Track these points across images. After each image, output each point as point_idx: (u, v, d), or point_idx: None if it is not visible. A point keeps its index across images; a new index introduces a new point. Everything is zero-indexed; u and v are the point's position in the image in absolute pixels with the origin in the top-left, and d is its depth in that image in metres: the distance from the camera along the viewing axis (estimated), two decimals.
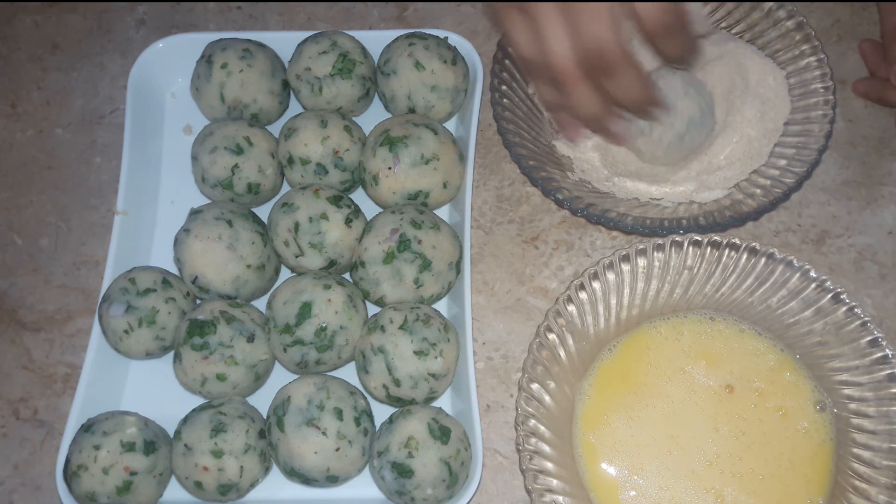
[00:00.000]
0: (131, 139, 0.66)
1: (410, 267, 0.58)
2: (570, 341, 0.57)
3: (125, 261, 0.63)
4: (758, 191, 0.62)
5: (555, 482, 0.53)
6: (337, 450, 0.54)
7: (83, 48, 0.76)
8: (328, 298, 0.57)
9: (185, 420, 0.56)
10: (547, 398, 0.55)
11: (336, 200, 0.60)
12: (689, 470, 0.55)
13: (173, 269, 0.62)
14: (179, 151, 0.69)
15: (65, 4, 0.78)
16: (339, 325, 0.57)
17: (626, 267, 0.58)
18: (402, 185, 0.61)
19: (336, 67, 0.64)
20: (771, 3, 0.66)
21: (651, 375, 0.58)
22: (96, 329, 0.60)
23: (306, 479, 0.55)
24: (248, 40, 0.67)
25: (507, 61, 0.66)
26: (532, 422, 0.54)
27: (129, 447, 0.55)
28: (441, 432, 0.54)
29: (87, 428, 0.56)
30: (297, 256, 0.60)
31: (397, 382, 0.56)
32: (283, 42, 0.68)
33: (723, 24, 0.69)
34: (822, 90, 0.64)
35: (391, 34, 0.67)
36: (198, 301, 0.62)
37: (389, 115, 0.67)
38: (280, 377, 0.60)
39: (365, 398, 0.58)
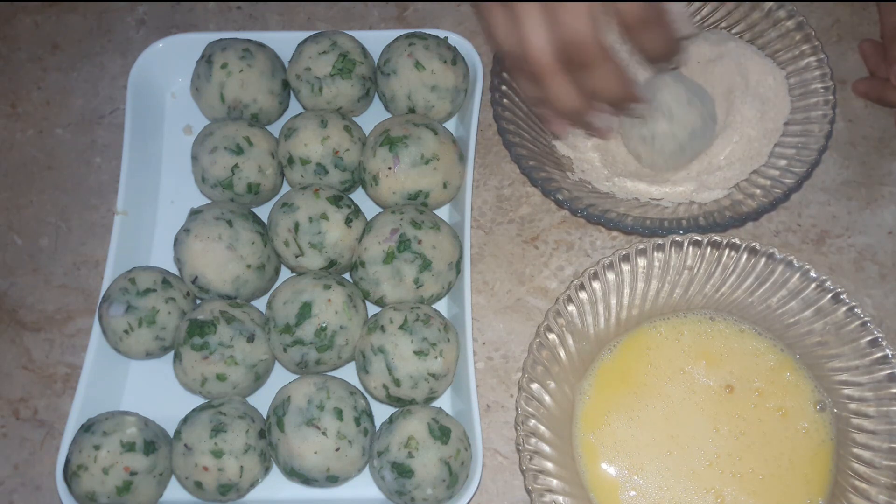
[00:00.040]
0: (131, 139, 0.66)
1: (410, 267, 0.58)
2: (570, 341, 0.57)
3: (125, 261, 0.63)
4: (758, 191, 0.62)
5: (555, 482, 0.53)
6: (337, 450, 0.54)
7: (83, 48, 0.76)
8: (328, 298, 0.57)
9: (185, 420, 0.56)
10: (547, 398, 0.55)
11: (336, 200, 0.60)
12: (689, 470, 0.55)
13: (173, 269, 0.62)
14: (179, 151, 0.69)
15: (65, 4, 0.78)
16: (339, 325, 0.57)
17: (626, 267, 0.58)
18: (402, 185, 0.61)
19: (336, 67, 0.64)
20: (771, 3, 0.66)
21: (651, 375, 0.58)
22: (96, 329, 0.60)
23: (306, 479, 0.55)
24: (248, 40, 0.67)
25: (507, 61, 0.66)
26: (532, 422, 0.54)
27: (129, 447, 0.55)
28: (441, 432, 0.54)
29: (87, 428, 0.56)
30: (297, 256, 0.60)
31: (397, 382, 0.56)
32: (283, 42, 0.68)
33: (723, 24, 0.69)
34: (822, 90, 0.64)
35: (391, 34, 0.67)
36: (198, 301, 0.62)
37: (389, 115, 0.67)
38: (280, 377, 0.60)
39: (365, 398, 0.58)
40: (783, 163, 0.63)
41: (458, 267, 0.61)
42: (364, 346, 0.57)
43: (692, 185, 0.64)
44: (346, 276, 0.63)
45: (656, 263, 0.58)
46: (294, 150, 0.62)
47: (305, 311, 0.56)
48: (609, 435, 0.56)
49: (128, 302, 0.58)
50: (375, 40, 0.67)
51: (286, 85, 0.68)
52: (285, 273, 0.64)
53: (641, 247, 0.58)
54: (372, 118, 0.67)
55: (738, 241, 0.57)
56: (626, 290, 0.59)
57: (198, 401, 0.59)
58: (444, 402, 0.60)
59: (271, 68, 0.66)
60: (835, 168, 0.68)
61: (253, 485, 0.57)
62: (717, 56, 0.67)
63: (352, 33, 0.67)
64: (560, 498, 0.53)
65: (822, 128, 0.63)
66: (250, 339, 0.58)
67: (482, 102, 0.66)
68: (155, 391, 0.62)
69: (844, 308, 0.55)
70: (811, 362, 0.57)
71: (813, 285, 0.56)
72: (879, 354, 0.54)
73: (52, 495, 0.60)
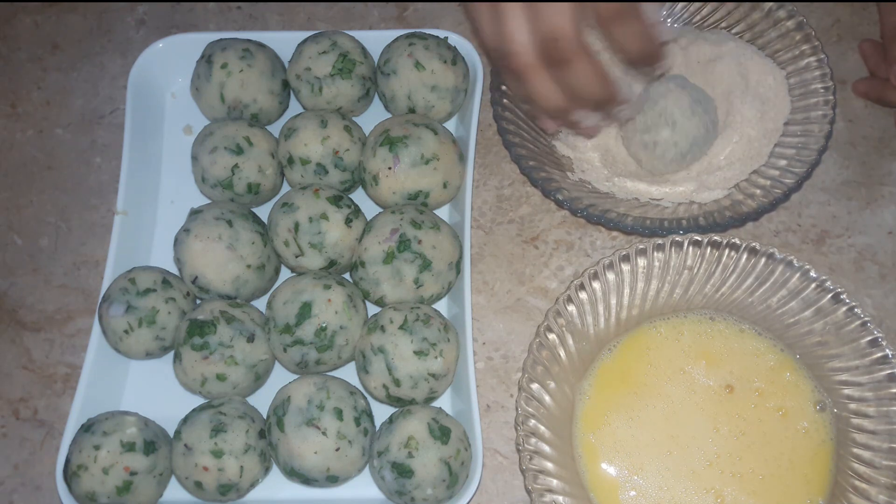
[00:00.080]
0: (131, 139, 0.66)
1: (410, 267, 0.58)
2: (570, 341, 0.57)
3: (125, 261, 0.63)
4: (758, 191, 0.62)
5: (555, 482, 0.53)
6: (337, 450, 0.54)
7: (83, 48, 0.76)
8: (328, 298, 0.57)
9: (185, 420, 0.56)
10: (547, 398, 0.55)
11: (336, 200, 0.60)
12: (689, 470, 0.55)
13: (173, 269, 0.62)
14: (179, 151, 0.69)
15: (65, 4, 0.78)
16: (339, 325, 0.57)
17: (626, 267, 0.58)
18: (402, 185, 0.61)
19: (336, 67, 0.64)
20: (771, 3, 0.66)
21: (651, 375, 0.58)
22: (96, 329, 0.60)
23: (306, 479, 0.55)
24: (248, 40, 0.67)
25: None
26: (532, 422, 0.54)
27: (129, 447, 0.55)
28: (441, 432, 0.54)
29: (87, 428, 0.56)
30: (297, 256, 0.60)
31: (397, 382, 0.56)
32: (283, 42, 0.68)
33: (723, 24, 0.69)
34: (822, 90, 0.64)
35: (391, 34, 0.67)
36: (198, 301, 0.62)
37: (389, 115, 0.67)
38: (280, 377, 0.60)
39: (365, 398, 0.58)
40: (783, 163, 0.63)
41: (458, 267, 0.61)
42: (364, 346, 0.57)
43: (692, 185, 0.64)
44: (346, 276, 0.63)
45: (656, 263, 0.58)
46: (294, 150, 0.62)
47: (305, 311, 0.56)
48: (609, 435, 0.56)
49: (128, 302, 0.58)
50: (375, 40, 0.67)
51: (286, 85, 0.68)
52: (285, 273, 0.64)
53: (641, 247, 0.58)
54: (372, 118, 0.67)
55: (738, 241, 0.57)
56: (626, 290, 0.59)
57: (198, 401, 0.59)
58: (444, 402, 0.60)
59: (271, 68, 0.66)
60: (835, 168, 0.68)
61: (253, 485, 0.57)
62: (717, 56, 0.67)
63: (352, 33, 0.67)
64: (560, 498, 0.53)
65: (822, 128, 0.63)
66: (250, 339, 0.58)
67: (482, 102, 0.66)
68: (155, 391, 0.62)
69: (844, 308, 0.55)
70: (811, 362, 0.57)
71: (813, 285, 0.56)
72: (879, 354, 0.54)
73: (52, 495, 0.60)
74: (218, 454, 0.54)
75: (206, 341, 0.57)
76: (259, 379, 0.59)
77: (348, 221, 0.60)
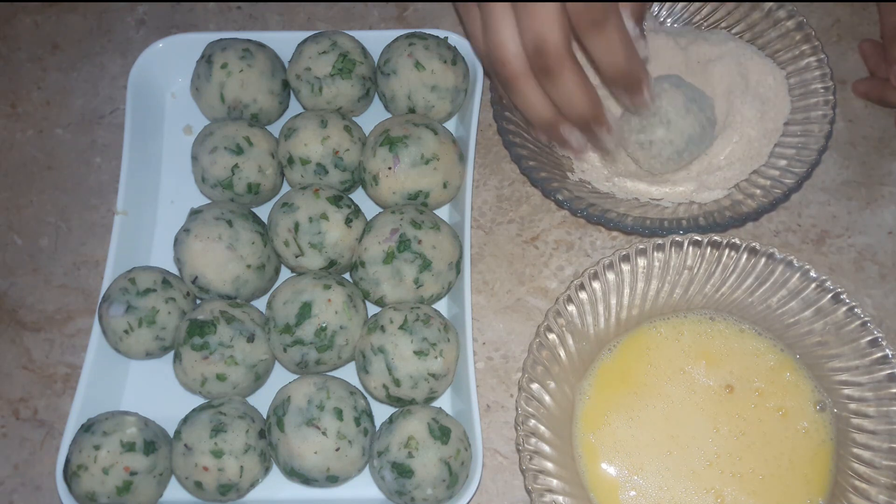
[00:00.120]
0: (131, 139, 0.66)
1: (410, 267, 0.58)
2: (570, 341, 0.57)
3: (125, 261, 0.63)
4: (758, 191, 0.62)
5: (555, 482, 0.53)
6: (337, 450, 0.54)
7: (83, 48, 0.76)
8: (328, 298, 0.57)
9: (185, 420, 0.56)
10: (547, 398, 0.55)
11: (336, 200, 0.60)
12: (689, 470, 0.55)
13: (173, 269, 0.62)
14: (179, 151, 0.69)
15: (65, 4, 0.78)
16: (339, 325, 0.57)
17: (626, 267, 0.58)
18: (402, 185, 0.61)
19: (336, 67, 0.64)
20: (771, 3, 0.66)
21: (651, 375, 0.58)
22: (96, 329, 0.60)
23: (306, 479, 0.55)
24: (248, 40, 0.67)
25: None
26: (532, 422, 0.54)
27: (129, 447, 0.55)
28: (441, 432, 0.54)
29: (87, 428, 0.56)
30: (297, 256, 0.60)
31: (397, 382, 0.56)
32: (283, 42, 0.68)
33: (723, 24, 0.69)
34: (822, 90, 0.64)
35: (391, 34, 0.67)
36: (198, 301, 0.62)
37: (389, 115, 0.67)
38: (280, 377, 0.60)
39: (365, 398, 0.58)
40: (783, 163, 0.63)
41: (458, 267, 0.61)
42: (364, 346, 0.57)
43: (692, 185, 0.64)
44: (346, 276, 0.63)
45: (656, 263, 0.58)
46: (294, 150, 0.62)
47: (305, 311, 0.56)
48: (609, 435, 0.56)
49: (128, 302, 0.58)
50: (375, 40, 0.67)
51: (286, 85, 0.68)
52: (285, 273, 0.64)
53: (641, 247, 0.58)
54: (372, 118, 0.67)
55: (738, 241, 0.57)
56: (626, 290, 0.59)
57: (198, 401, 0.59)
58: (444, 402, 0.60)
59: (271, 68, 0.66)
60: (835, 168, 0.68)
61: (253, 485, 0.57)
62: (717, 56, 0.67)
63: (352, 33, 0.67)
64: (560, 498, 0.53)
65: (822, 128, 0.63)
66: (250, 339, 0.58)
67: (482, 102, 0.66)
68: (155, 391, 0.62)
69: (844, 308, 0.55)
70: (811, 362, 0.57)
71: (813, 285, 0.56)
72: (879, 354, 0.54)
73: (52, 495, 0.60)
74: (218, 454, 0.54)
75: (206, 341, 0.57)
76: (259, 379, 0.59)
77: (348, 221, 0.60)
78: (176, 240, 0.60)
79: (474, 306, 0.64)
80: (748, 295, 0.58)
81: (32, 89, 0.74)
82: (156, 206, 0.68)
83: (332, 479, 0.55)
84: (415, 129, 0.61)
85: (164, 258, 0.65)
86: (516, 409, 0.54)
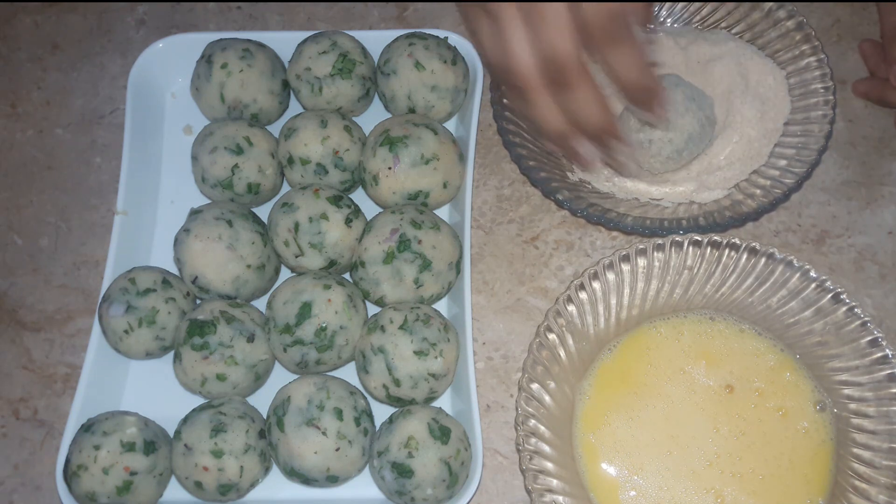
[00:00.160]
0: (131, 139, 0.66)
1: (410, 267, 0.58)
2: (570, 341, 0.57)
3: (125, 261, 0.63)
4: (758, 191, 0.62)
5: (555, 482, 0.53)
6: (337, 450, 0.54)
7: (83, 48, 0.76)
8: (328, 298, 0.57)
9: (185, 420, 0.56)
10: (547, 398, 0.55)
11: (336, 200, 0.60)
12: (689, 470, 0.55)
13: (173, 269, 0.62)
14: (179, 151, 0.69)
15: (65, 4, 0.78)
16: (339, 325, 0.57)
17: (626, 267, 0.58)
18: (402, 185, 0.61)
19: (336, 67, 0.64)
20: (771, 3, 0.66)
21: (651, 375, 0.58)
22: (96, 329, 0.60)
23: (306, 479, 0.55)
24: (248, 40, 0.67)
25: None
26: (532, 422, 0.54)
27: (129, 447, 0.55)
28: (441, 432, 0.54)
29: (87, 428, 0.56)
30: (297, 256, 0.60)
31: (397, 382, 0.56)
32: (283, 42, 0.68)
33: (723, 24, 0.69)
34: (822, 90, 0.64)
35: (391, 34, 0.67)
36: (198, 301, 0.62)
37: (389, 115, 0.67)
38: (280, 377, 0.60)
39: (365, 398, 0.58)
40: (783, 163, 0.63)
41: (458, 267, 0.61)
42: (364, 346, 0.57)
43: (692, 185, 0.64)
44: (346, 276, 0.63)
45: (656, 263, 0.58)
46: (294, 150, 0.62)
47: (305, 311, 0.56)
48: (609, 435, 0.56)
49: (128, 302, 0.58)
50: (375, 40, 0.67)
51: (286, 85, 0.68)
52: (285, 273, 0.64)
53: (641, 247, 0.58)
54: (372, 118, 0.67)
55: (738, 241, 0.57)
56: (626, 290, 0.59)
57: (198, 401, 0.59)
58: (444, 402, 0.60)
59: (271, 68, 0.66)
60: (835, 168, 0.68)
61: (253, 485, 0.57)
62: (717, 56, 0.67)
63: (352, 33, 0.67)
64: (560, 498, 0.53)
65: (822, 128, 0.63)
66: (250, 339, 0.58)
67: (482, 102, 0.66)
68: (155, 391, 0.62)
69: (844, 308, 0.55)
70: (811, 362, 0.57)
71: (813, 285, 0.56)
72: (879, 354, 0.54)
73: (52, 495, 0.60)
74: (218, 454, 0.54)
75: (206, 341, 0.57)
76: (259, 379, 0.59)
77: (348, 221, 0.60)
78: (176, 240, 0.60)
79: (474, 306, 0.64)
80: (748, 295, 0.58)
81: (32, 89, 0.74)
82: (156, 206, 0.68)
83: (332, 479, 0.55)
84: (415, 129, 0.61)
85: (164, 258, 0.65)
86: (516, 409, 0.54)
